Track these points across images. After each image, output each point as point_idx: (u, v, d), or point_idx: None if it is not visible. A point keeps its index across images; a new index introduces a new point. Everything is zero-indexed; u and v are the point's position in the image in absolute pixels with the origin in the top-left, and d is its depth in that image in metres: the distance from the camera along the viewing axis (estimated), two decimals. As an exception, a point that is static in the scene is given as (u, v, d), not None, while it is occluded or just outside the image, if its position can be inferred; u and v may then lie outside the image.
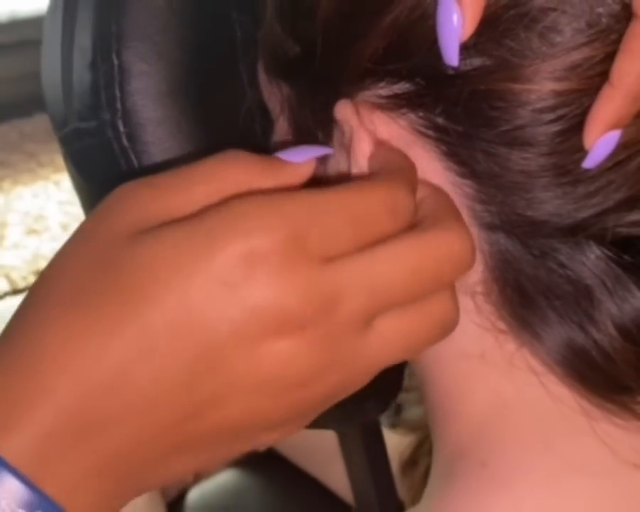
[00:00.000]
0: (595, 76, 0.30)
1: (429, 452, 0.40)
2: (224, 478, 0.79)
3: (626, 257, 0.32)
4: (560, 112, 0.30)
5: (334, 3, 0.33)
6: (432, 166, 0.33)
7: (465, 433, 0.36)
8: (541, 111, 0.30)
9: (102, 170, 0.41)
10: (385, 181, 0.30)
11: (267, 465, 0.79)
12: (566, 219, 0.32)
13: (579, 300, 0.32)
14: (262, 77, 0.39)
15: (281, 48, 0.36)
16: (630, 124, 0.30)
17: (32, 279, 1.46)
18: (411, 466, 0.66)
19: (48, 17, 0.43)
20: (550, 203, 0.32)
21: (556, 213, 0.32)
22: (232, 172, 0.30)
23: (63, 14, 0.41)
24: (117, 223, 0.29)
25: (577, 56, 0.30)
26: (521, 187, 0.32)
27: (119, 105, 0.39)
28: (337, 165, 0.35)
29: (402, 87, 0.33)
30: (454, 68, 0.31)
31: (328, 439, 0.72)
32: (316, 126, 0.36)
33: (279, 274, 0.27)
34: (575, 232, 0.32)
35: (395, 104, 0.33)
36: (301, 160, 0.31)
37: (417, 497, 0.55)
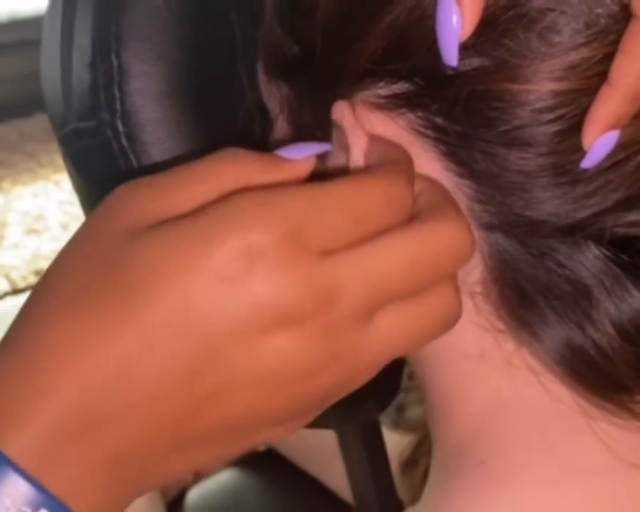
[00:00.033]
0: (594, 76, 0.30)
1: (429, 452, 0.40)
2: (224, 478, 0.79)
3: (624, 256, 0.32)
4: (559, 112, 0.30)
5: (333, 3, 0.33)
6: (430, 166, 0.33)
7: (464, 432, 0.36)
8: (540, 111, 0.30)
9: (102, 170, 0.41)
10: (383, 174, 0.30)
11: (267, 465, 0.79)
12: (564, 219, 0.32)
13: (577, 300, 0.32)
14: (261, 77, 0.39)
15: (280, 48, 0.36)
16: (629, 125, 0.30)
17: (32, 279, 1.47)
18: (411, 466, 0.66)
19: (48, 17, 0.43)
20: (549, 203, 0.32)
21: (554, 213, 0.32)
22: (231, 169, 0.30)
23: (62, 14, 0.41)
24: (117, 223, 0.29)
25: (575, 56, 0.30)
26: (520, 187, 0.32)
27: (118, 105, 0.39)
28: (336, 163, 0.35)
29: (401, 87, 0.33)
30: (453, 68, 0.31)
31: (327, 438, 0.72)
32: (315, 126, 0.36)
33: (278, 269, 0.27)
34: (574, 232, 0.32)
35: (394, 104, 0.33)
36: (300, 157, 0.31)
37: (416, 496, 0.55)
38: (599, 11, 0.29)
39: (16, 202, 1.78)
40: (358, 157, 0.33)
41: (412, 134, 0.33)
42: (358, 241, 0.29)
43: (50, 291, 0.29)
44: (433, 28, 0.30)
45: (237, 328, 0.28)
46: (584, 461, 0.34)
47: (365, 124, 0.33)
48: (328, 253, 0.28)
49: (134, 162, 0.39)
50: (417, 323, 0.30)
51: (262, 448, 0.79)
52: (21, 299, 0.30)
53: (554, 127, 0.31)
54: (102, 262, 0.29)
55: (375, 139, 0.33)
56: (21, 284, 1.45)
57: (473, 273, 0.34)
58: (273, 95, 0.38)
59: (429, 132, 0.33)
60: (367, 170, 0.32)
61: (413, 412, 0.78)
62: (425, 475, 0.39)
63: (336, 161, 0.35)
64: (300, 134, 0.37)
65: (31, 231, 1.66)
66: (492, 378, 0.35)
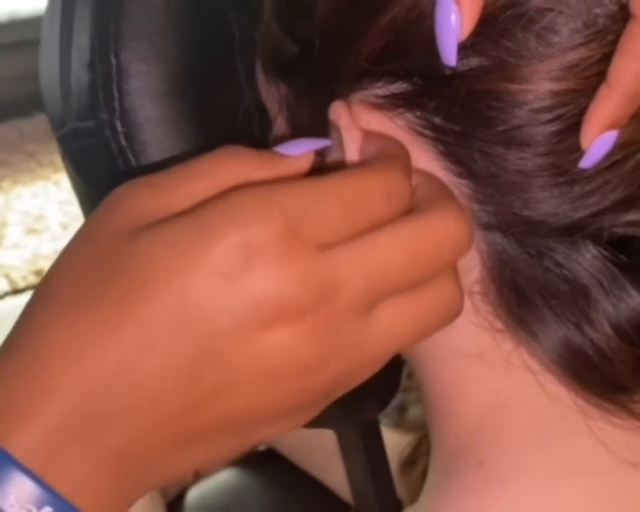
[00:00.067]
0: (592, 76, 0.30)
1: (428, 451, 0.40)
2: (224, 478, 0.79)
3: (622, 256, 0.32)
4: (557, 112, 0.30)
5: (332, 2, 0.33)
6: (429, 166, 0.33)
7: (462, 432, 0.36)
8: (538, 111, 0.30)
9: (100, 169, 0.41)
10: (380, 167, 0.30)
11: (267, 464, 0.79)
12: (562, 219, 0.32)
13: (575, 299, 0.32)
14: (260, 76, 0.39)
15: (279, 47, 0.36)
16: (627, 125, 0.30)
17: (32, 279, 1.47)
18: (410, 466, 0.66)
19: (46, 17, 0.43)
20: (547, 203, 0.32)
21: (553, 213, 0.32)
22: (231, 166, 0.30)
23: (61, 14, 0.41)
24: (117, 223, 0.29)
25: (574, 56, 0.30)
26: (518, 187, 0.32)
27: (117, 105, 0.39)
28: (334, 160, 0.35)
29: (399, 86, 0.33)
30: (451, 68, 0.31)
31: (327, 438, 0.72)
32: (313, 125, 0.36)
33: (277, 264, 0.27)
34: (572, 231, 0.32)
35: (393, 103, 0.33)
36: (299, 153, 0.31)
37: (415, 496, 0.55)
38: (598, 11, 0.29)
39: (15, 202, 1.79)
40: (354, 156, 0.33)
41: (410, 134, 0.33)
42: (357, 234, 0.29)
43: (51, 292, 0.29)
44: (431, 28, 0.30)
45: (237, 325, 0.28)
46: (583, 461, 0.34)
47: (362, 123, 0.33)
48: (327, 247, 0.28)
49: (133, 162, 0.39)
50: (418, 315, 0.30)
51: (262, 448, 0.80)
52: (21, 298, 0.30)
53: (552, 127, 0.31)
54: (102, 262, 0.29)
55: (370, 135, 0.33)
56: (21, 284, 1.45)
57: (472, 273, 0.34)
58: (272, 95, 0.38)
59: (427, 132, 0.33)
60: (364, 164, 0.32)
61: (413, 412, 0.78)
62: (424, 475, 0.39)
63: (335, 158, 0.35)
64: (299, 134, 0.37)
65: (31, 231, 1.66)
66: (490, 378, 0.35)
